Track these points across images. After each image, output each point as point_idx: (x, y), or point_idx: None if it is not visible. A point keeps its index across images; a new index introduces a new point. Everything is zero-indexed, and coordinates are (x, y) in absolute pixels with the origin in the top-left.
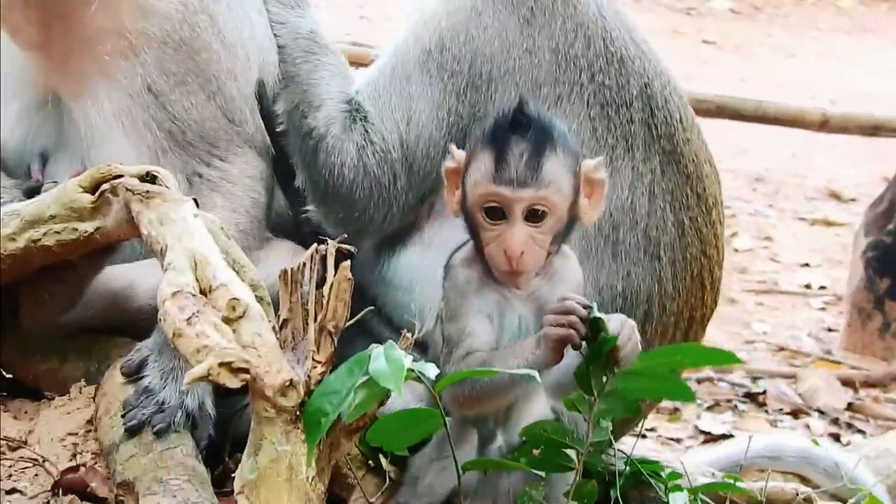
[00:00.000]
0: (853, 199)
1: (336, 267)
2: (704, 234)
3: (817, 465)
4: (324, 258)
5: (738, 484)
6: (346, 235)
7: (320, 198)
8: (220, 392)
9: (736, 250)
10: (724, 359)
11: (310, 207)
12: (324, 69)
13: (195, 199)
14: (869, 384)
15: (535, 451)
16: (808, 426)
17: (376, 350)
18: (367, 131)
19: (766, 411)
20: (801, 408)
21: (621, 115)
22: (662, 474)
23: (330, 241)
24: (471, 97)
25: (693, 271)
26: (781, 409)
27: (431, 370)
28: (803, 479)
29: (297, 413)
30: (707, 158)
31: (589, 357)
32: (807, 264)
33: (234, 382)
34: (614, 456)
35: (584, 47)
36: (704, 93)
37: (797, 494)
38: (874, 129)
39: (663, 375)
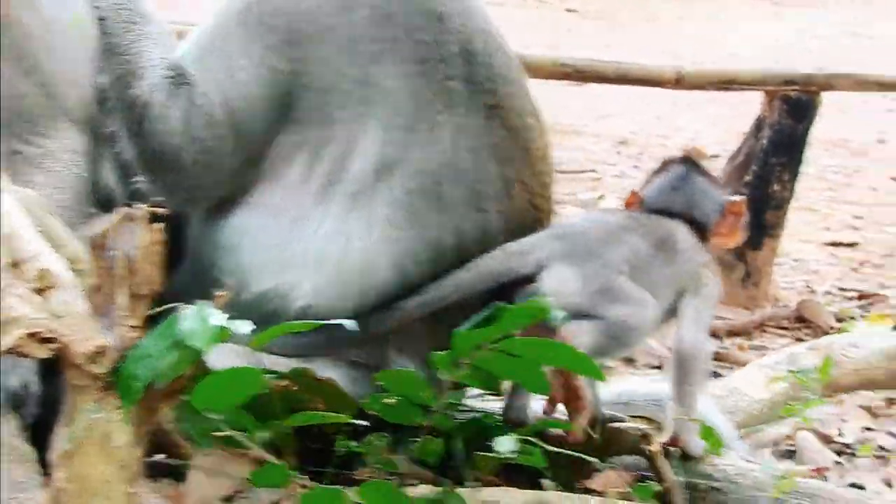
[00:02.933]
0: (716, 156)
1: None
2: (531, 185)
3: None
4: (135, 221)
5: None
6: (175, 201)
7: (149, 167)
8: (46, 370)
9: None
10: (591, 371)
11: (139, 178)
12: (146, 38)
13: (6, 173)
14: (733, 333)
15: (389, 401)
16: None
17: (187, 310)
18: (191, 95)
19: (635, 367)
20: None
21: (440, 71)
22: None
23: (140, 204)
24: (289, 53)
25: (524, 223)
26: (649, 364)
27: (245, 327)
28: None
29: (111, 380)
30: (532, 112)
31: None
32: None
33: (43, 353)
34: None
35: (400, 4)
36: (563, 56)
37: (636, 432)
38: (728, 83)
39: (531, 365)
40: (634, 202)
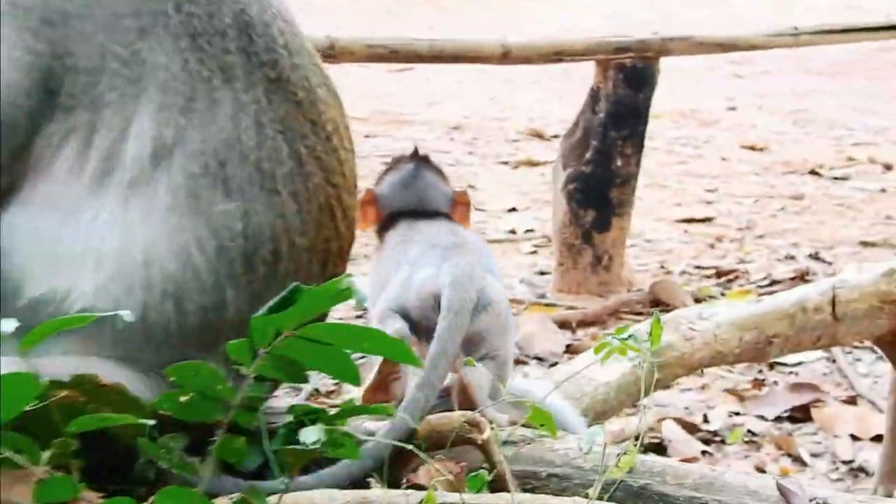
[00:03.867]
0: (556, 136)
1: None
2: (326, 161)
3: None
4: None
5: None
6: None
7: None
8: None
9: None
10: (406, 358)
11: None
12: None
13: None
14: (585, 323)
15: (183, 398)
16: (525, 375)
17: None
18: None
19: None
20: (517, 357)
21: (215, 45)
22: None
23: None
24: (48, 34)
25: (319, 202)
26: None
27: (8, 325)
28: None
29: None
30: (322, 83)
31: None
32: (514, 209)
33: None
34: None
35: None
36: (374, 37)
37: (463, 419)
38: (558, 55)
39: (337, 353)
40: (370, 200)
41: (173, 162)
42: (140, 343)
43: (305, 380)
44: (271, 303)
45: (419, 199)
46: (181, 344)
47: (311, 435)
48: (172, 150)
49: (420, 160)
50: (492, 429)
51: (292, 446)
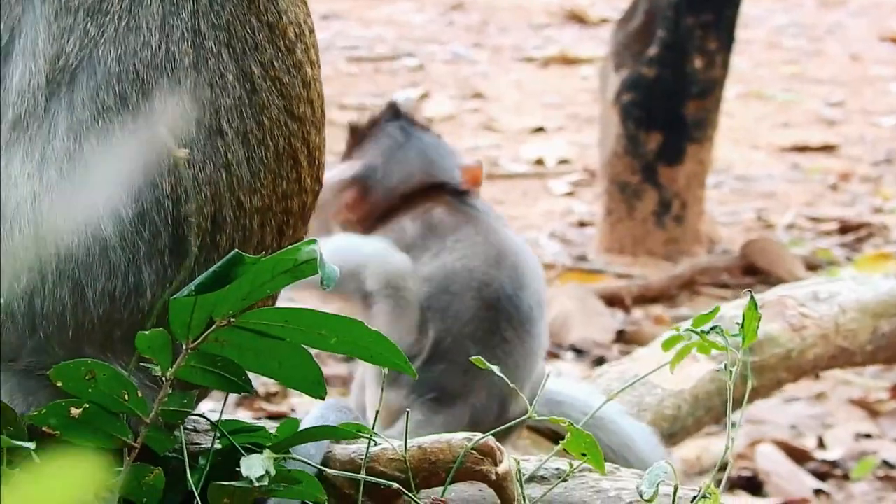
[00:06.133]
0: (605, 21)
1: None
2: (287, 83)
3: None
4: None
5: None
6: None
7: None
8: None
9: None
10: (398, 362)
11: None
12: None
13: None
14: (647, 299)
15: (75, 411)
16: (560, 374)
17: None
18: None
19: None
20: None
21: None
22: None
23: None
24: None
25: (278, 143)
26: None
27: None
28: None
29: None
30: None
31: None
32: (541, 129)
33: None
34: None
35: None
36: None
37: (469, 445)
38: None
39: (293, 350)
40: (357, 196)
41: (76, 89)
42: (20, 336)
43: (248, 388)
44: (200, 278)
45: (430, 168)
46: (77, 341)
47: (255, 467)
48: (75, 73)
49: (404, 119)
50: (515, 460)
51: (228, 483)
